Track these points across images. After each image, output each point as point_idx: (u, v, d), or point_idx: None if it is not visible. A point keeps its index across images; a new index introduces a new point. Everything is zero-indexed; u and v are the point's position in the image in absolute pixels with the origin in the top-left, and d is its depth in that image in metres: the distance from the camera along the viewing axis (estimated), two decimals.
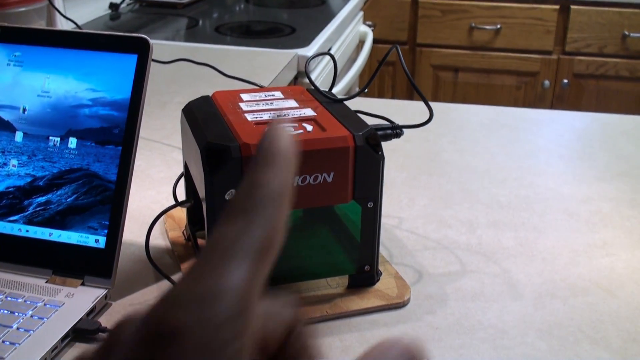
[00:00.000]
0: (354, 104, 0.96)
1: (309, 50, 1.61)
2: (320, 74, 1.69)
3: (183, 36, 1.81)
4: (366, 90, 2.53)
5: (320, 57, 1.72)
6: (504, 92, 2.76)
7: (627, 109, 2.67)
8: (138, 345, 0.22)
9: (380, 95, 2.90)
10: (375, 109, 1.22)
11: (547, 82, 2.70)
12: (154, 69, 1.41)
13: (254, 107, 0.71)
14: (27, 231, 0.73)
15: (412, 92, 2.86)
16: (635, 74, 2.63)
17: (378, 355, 0.24)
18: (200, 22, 1.94)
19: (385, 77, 2.88)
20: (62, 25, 1.57)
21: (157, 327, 0.21)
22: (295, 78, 1.59)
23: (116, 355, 0.22)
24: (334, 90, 1.72)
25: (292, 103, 0.73)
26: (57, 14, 1.52)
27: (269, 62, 1.50)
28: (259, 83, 1.30)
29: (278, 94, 0.76)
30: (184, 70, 1.41)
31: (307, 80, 1.58)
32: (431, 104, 1.29)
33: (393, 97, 2.90)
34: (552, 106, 2.73)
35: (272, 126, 0.25)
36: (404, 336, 0.25)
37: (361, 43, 2.21)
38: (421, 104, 1.24)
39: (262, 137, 0.25)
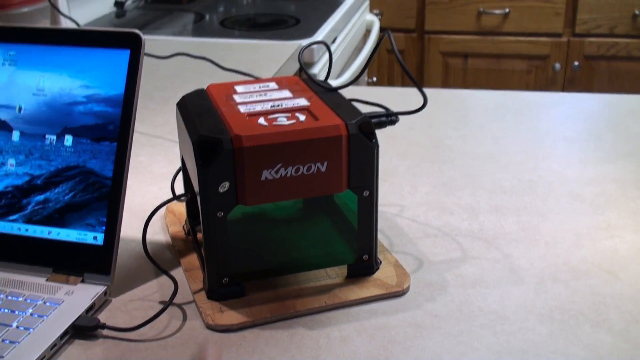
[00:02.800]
0: (353, 94, 0.95)
1: (312, 41, 1.60)
2: (325, 64, 1.68)
3: (190, 31, 1.81)
4: (374, 79, 2.50)
5: (325, 48, 1.71)
6: (515, 76, 2.74)
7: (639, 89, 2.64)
8: None
9: (390, 83, 2.88)
10: (378, 97, 1.22)
11: (557, 65, 2.67)
12: (156, 66, 1.41)
13: (247, 99, 0.71)
14: (27, 230, 0.73)
15: (421, 79, 2.84)
16: None
17: None
18: (207, 16, 1.94)
19: (395, 66, 2.86)
20: (66, 24, 1.57)
21: None
22: (300, 69, 1.58)
23: None
24: (340, 80, 1.71)
25: (286, 93, 0.73)
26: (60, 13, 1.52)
27: (273, 54, 1.50)
28: (261, 75, 1.30)
29: (272, 85, 0.75)
30: (187, 66, 1.41)
31: (311, 71, 1.58)
32: (436, 90, 1.28)
33: (403, 85, 2.88)
34: (564, 89, 2.70)
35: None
36: None
37: (368, 32, 2.20)
38: (425, 90, 1.23)
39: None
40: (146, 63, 1.40)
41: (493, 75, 2.76)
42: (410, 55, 2.81)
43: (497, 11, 2.67)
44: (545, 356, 0.61)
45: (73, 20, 1.50)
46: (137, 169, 0.98)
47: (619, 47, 2.61)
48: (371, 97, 1.22)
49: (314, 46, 1.55)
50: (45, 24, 1.50)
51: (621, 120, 1.11)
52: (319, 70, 1.60)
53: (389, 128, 1.10)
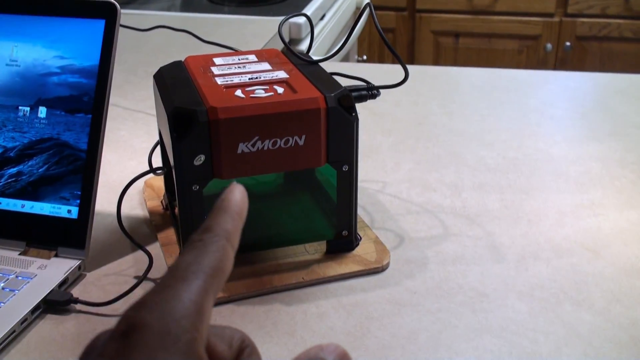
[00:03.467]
0: (339, 69, 0.93)
1: (301, 17, 1.58)
2: (314, 40, 1.66)
3: (178, 7, 1.79)
4: (365, 57, 2.45)
5: (315, 23, 1.69)
6: (506, 56, 2.72)
7: (631, 70, 2.63)
8: (109, 340, 0.27)
9: (381, 61, 2.86)
10: (364, 73, 1.20)
11: (549, 46, 2.65)
12: (140, 40, 1.39)
13: (225, 71, 0.69)
14: (0, 203, 0.72)
15: (412, 58, 2.83)
16: (639, 35, 2.59)
17: None
18: None
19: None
20: None
21: (123, 325, 0.27)
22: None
23: (94, 351, 0.28)
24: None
25: (265, 66, 0.71)
26: None
27: (260, 29, 1.48)
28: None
29: (252, 57, 0.74)
30: (171, 40, 1.39)
31: (298, 47, 1.56)
32: (424, 67, 1.26)
33: (393, 63, 2.86)
34: (555, 70, 2.69)
35: (231, 185, 0.33)
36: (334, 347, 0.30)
37: (358, 10, 2.17)
38: (412, 67, 1.21)
39: (222, 193, 0.32)
40: (129, 37, 1.38)
41: (484, 54, 2.74)
42: (401, 34, 2.79)
43: None
44: (524, 334, 0.60)
45: None
46: (117, 143, 0.97)
47: (611, 28, 2.60)
48: (356, 72, 1.20)
49: (302, 22, 1.53)
50: None
51: (609, 99, 1.10)
52: (306, 47, 1.58)
53: (373, 104, 1.09)
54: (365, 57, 2.53)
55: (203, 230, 0.31)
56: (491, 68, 1.25)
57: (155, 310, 0.27)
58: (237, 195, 0.32)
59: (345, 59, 2.04)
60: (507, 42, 2.70)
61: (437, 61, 2.79)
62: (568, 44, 2.64)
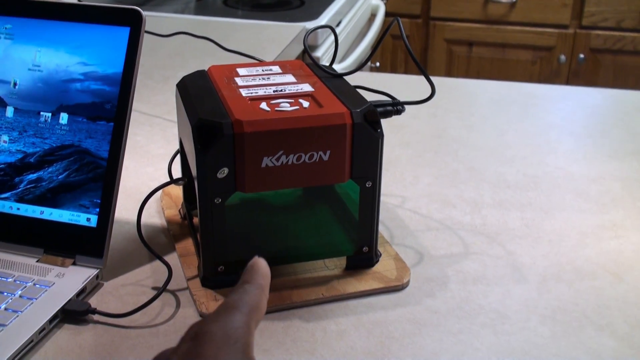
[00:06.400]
0: (357, 80, 0.93)
1: (317, 24, 1.57)
2: (329, 48, 1.66)
3: (192, 9, 1.78)
4: (378, 64, 2.45)
5: (330, 31, 1.68)
6: (519, 67, 2.71)
7: None
8: (181, 342, 0.38)
9: (393, 70, 2.86)
10: (382, 84, 1.20)
11: (563, 57, 2.64)
12: (157, 43, 1.38)
13: (249, 82, 0.69)
14: (18, 209, 0.71)
15: (425, 66, 2.82)
16: None
17: None
18: None
19: (398, 52, 2.83)
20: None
21: (192, 332, 0.38)
22: (304, 52, 1.56)
23: (164, 355, 0.40)
24: (343, 65, 1.68)
25: (290, 78, 0.70)
26: None
27: (277, 35, 1.47)
28: (263, 57, 1.27)
29: (276, 69, 0.73)
30: (188, 45, 1.38)
31: (314, 54, 1.55)
32: (441, 79, 1.26)
33: (406, 72, 2.86)
34: (568, 82, 2.68)
35: (253, 260, 0.44)
36: None
37: (373, 17, 2.17)
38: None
39: (249, 263, 0.44)
40: (146, 41, 1.38)
41: (497, 64, 2.73)
42: (415, 42, 2.78)
43: (504, 0, 2.64)
44: (547, 359, 0.59)
45: None
46: (134, 149, 0.96)
47: (626, 41, 2.59)
48: (375, 83, 1.20)
49: (318, 29, 1.53)
50: None
51: (628, 116, 1.09)
52: (322, 53, 1.58)
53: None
54: (378, 64, 2.53)
55: (243, 281, 0.42)
56: (508, 81, 1.25)
57: (217, 322, 0.38)
58: (263, 263, 0.44)
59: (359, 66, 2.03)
60: (521, 52, 2.69)
61: (449, 70, 2.78)
62: (582, 56, 2.63)
